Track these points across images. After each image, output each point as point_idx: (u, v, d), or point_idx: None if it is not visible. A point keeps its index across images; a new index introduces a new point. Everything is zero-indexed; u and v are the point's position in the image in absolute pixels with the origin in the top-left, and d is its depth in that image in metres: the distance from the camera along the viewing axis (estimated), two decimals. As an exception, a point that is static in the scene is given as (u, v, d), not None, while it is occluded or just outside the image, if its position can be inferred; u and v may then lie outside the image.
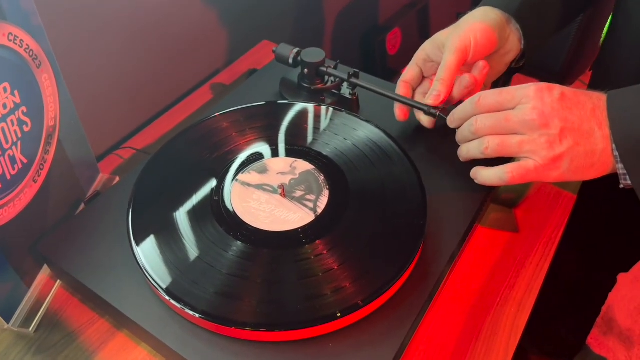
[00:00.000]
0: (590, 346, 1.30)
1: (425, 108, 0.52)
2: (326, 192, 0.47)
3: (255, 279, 0.41)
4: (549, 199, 0.58)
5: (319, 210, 0.45)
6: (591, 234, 0.87)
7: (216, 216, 0.45)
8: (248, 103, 0.56)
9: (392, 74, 1.56)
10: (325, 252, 0.43)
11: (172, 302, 0.39)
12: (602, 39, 0.96)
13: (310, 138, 0.53)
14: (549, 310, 1.12)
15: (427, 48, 0.55)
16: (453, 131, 0.50)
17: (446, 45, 0.52)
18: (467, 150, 0.49)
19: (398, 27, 1.54)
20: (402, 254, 0.43)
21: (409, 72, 0.57)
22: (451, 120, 0.50)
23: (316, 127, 0.54)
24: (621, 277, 0.96)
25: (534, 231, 0.55)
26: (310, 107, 0.55)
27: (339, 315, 0.39)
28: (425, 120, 0.54)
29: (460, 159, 0.50)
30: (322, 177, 0.48)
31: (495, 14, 0.53)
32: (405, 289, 0.43)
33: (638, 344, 1.30)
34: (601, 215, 0.84)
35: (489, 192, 0.51)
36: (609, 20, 0.92)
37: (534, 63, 0.96)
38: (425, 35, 1.62)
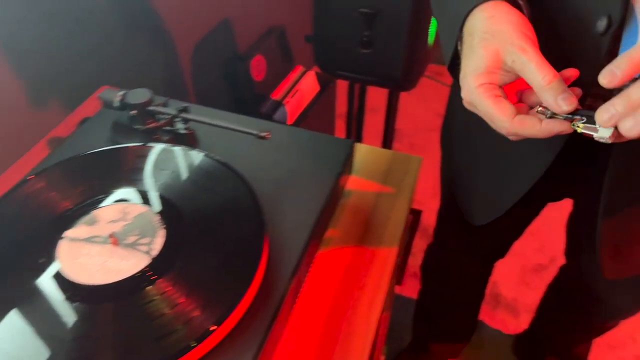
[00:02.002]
0: (484, 322, 1.40)
1: (256, 132, 0.54)
2: (162, 232, 0.47)
3: (101, 335, 0.39)
4: (391, 195, 0.62)
5: (155, 252, 0.45)
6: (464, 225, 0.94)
7: (44, 282, 0.43)
8: (78, 153, 0.54)
9: (262, 99, 1.59)
10: (168, 289, 0.42)
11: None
12: (430, 40, 1.06)
13: (140, 179, 0.52)
14: (441, 302, 1.19)
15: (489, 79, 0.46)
16: (291, 154, 0.52)
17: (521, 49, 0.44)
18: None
19: (260, 54, 1.57)
20: (245, 272, 0.43)
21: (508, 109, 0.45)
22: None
23: (146, 167, 0.53)
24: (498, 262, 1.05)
25: (379, 229, 0.58)
26: (140, 147, 0.55)
27: (193, 345, 0.39)
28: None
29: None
30: (157, 217, 0.48)
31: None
32: (255, 305, 0.44)
33: (523, 311, 1.42)
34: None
35: (326, 205, 0.54)
36: (434, 22, 1.02)
37: (374, 73, 1.04)
38: (289, 58, 1.67)
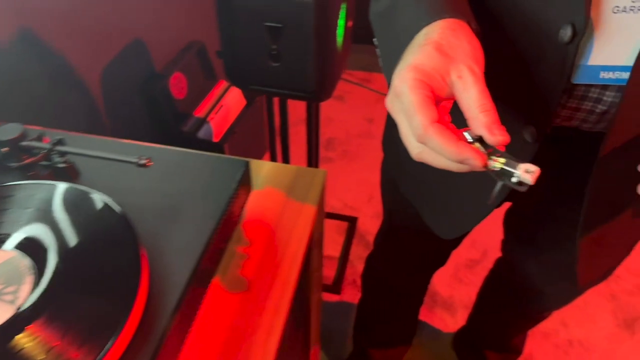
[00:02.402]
0: (425, 322, 1.41)
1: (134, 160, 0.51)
2: (30, 278, 0.43)
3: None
4: (295, 211, 0.61)
5: (21, 300, 0.41)
6: (407, 236, 0.94)
7: None
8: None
9: (184, 118, 1.55)
10: (41, 334, 0.39)
11: None
12: (339, 44, 1.06)
13: (3, 221, 0.48)
14: (382, 310, 1.19)
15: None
16: (178, 179, 0.50)
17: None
18: None
19: (179, 71, 1.53)
20: (123, 309, 0.41)
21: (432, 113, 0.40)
22: None
23: (10, 208, 0.49)
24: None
25: (282, 248, 0.56)
26: (7, 187, 0.51)
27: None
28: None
29: None
30: (26, 261, 0.44)
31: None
32: (136, 341, 0.41)
33: (460, 308, 1.44)
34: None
35: (217, 231, 0.51)
36: (341, 25, 1.01)
37: (287, 85, 1.03)
38: (211, 73, 1.64)
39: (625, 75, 0.47)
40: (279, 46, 0.95)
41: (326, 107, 2.15)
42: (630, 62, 0.46)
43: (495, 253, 1.02)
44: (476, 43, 0.43)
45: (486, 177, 0.57)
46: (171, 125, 1.49)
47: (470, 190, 0.66)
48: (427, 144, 0.39)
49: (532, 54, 0.44)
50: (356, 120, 2.09)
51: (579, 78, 0.48)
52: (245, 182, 0.58)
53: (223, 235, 0.54)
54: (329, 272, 1.51)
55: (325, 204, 1.71)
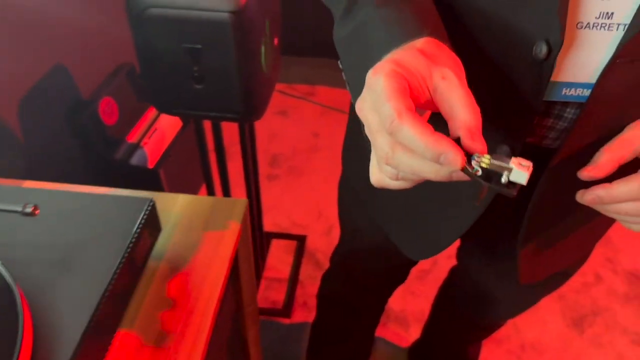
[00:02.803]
0: (381, 337, 1.38)
1: None
2: None
3: None
4: (212, 248, 0.56)
5: None
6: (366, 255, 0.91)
7: None
8: None
9: (117, 144, 1.47)
10: None
11: None
12: (264, 61, 1.02)
13: None
14: (338, 329, 1.15)
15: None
16: (72, 225, 0.44)
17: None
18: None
19: (108, 96, 1.46)
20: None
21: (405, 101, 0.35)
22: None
23: None
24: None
25: (197, 285, 0.52)
26: None
27: None
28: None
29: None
30: None
31: None
32: None
33: (413, 321, 1.42)
34: None
35: (117, 278, 0.46)
36: (266, 42, 0.98)
37: (213, 108, 0.98)
38: (145, 95, 1.58)
39: (587, 92, 0.46)
40: (200, 67, 0.90)
41: (269, 123, 2.11)
42: (593, 79, 0.45)
43: (446, 262, 1.01)
44: (458, 59, 0.40)
45: (462, 188, 0.53)
46: (103, 153, 1.42)
47: (446, 205, 0.63)
48: (399, 135, 0.34)
49: (507, 71, 0.42)
50: (301, 135, 2.05)
51: (545, 95, 0.47)
52: (151, 222, 0.54)
53: (126, 283, 0.49)
54: (278, 295, 1.46)
55: (272, 223, 1.67)
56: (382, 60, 0.39)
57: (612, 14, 0.41)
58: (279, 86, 2.31)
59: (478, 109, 0.36)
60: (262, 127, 2.06)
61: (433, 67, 0.37)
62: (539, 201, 0.57)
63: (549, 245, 0.67)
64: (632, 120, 0.46)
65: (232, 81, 0.91)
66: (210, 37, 0.86)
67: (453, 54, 0.40)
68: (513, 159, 0.33)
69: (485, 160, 0.33)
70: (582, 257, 0.78)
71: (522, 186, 0.33)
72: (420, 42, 0.39)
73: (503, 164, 0.33)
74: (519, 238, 0.62)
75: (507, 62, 0.40)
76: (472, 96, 0.36)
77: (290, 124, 2.13)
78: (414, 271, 1.55)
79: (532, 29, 0.43)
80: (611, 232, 1.70)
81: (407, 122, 0.33)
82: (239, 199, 0.63)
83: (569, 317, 1.46)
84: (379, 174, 0.39)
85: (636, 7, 0.40)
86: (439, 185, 0.59)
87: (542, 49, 0.43)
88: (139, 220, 0.51)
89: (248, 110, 0.97)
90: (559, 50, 0.42)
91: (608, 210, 0.47)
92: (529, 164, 0.33)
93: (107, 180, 1.48)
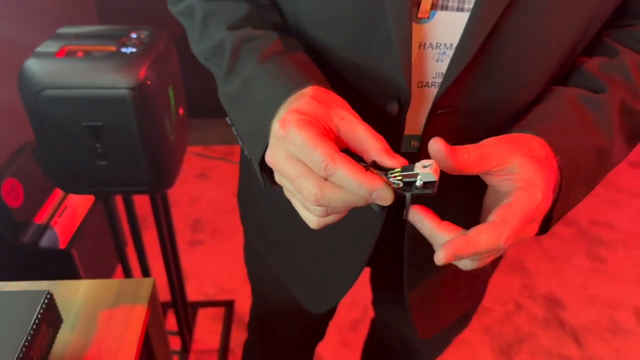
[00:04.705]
0: None
1: None
2: None
3: None
4: (117, 336, 0.54)
5: None
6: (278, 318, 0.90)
7: None
8: None
9: (24, 227, 1.39)
10: None
11: None
12: (170, 131, 1.03)
13: None
14: None
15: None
16: None
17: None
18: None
19: (11, 177, 1.39)
20: None
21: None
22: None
23: None
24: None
25: None
26: None
27: None
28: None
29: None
30: None
31: None
32: None
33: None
34: None
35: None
36: (172, 112, 0.99)
37: (121, 182, 0.97)
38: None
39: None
40: (103, 144, 0.89)
41: (189, 187, 2.09)
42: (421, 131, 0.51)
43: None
44: (344, 101, 0.43)
45: (352, 234, 0.58)
46: (8, 238, 1.33)
47: (337, 253, 0.65)
48: (333, 176, 0.36)
49: (372, 125, 0.44)
50: (223, 196, 2.04)
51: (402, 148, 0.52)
52: (49, 315, 0.51)
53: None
54: (209, 367, 1.40)
55: (198, 291, 1.62)
56: (279, 112, 0.42)
57: (443, 73, 0.47)
58: (196, 149, 2.30)
59: (380, 136, 0.39)
60: (181, 192, 2.04)
61: (329, 111, 0.40)
62: (411, 252, 0.60)
63: (434, 300, 0.69)
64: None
65: (137, 154, 0.91)
66: (111, 114, 0.86)
67: (340, 97, 0.43)
68: (416, 164, 0.37)
69: (397, 175, 0.37)
70: (475, 302, 0.81)
71: (438, 183, 0.37)
72: (309, 90, 0.42)
73: (411, 172, 0.37)
74: (405, 291, 0.64)
75: (369, 118, 0.43)
76: (371, 128, 0.40)
77: (211, 186, 2.12)
78: (345, 322, 1.56)
79: (386, 87, 0.48)
80: (525, 261, 1.81)
81: (340, 164, 0.36)
82: (145, 279, 0.62)
83: (497, 347, 1.51)
84: (312, 216, 0.41)
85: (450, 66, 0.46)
86: (327, 233, 0.62)
87: (394, 107, 0.48)
88: (34, 316, 0.48)
89: (157, 181, 0.96)
90: (407, 107, 0.48)
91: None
92: (430, 162, 0.37)
93: (15, 266, 1.38)
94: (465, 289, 0.73)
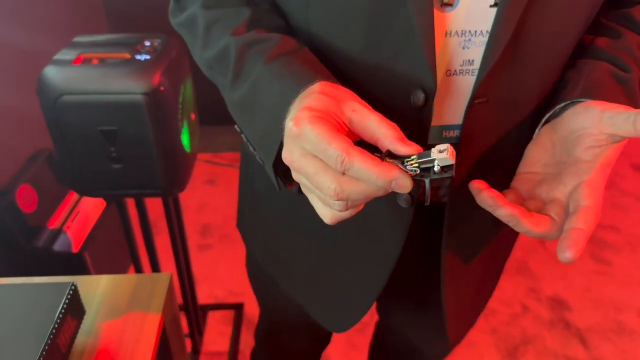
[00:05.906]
0: None
1: None
2: None
3: None
4: (137, 327, 0.57)
5: None
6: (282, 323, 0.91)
7: None
8: None
9: (38, 232, 1.42)
10: None
11: None
12: (183, 135, 1.06)
13: None
14: None
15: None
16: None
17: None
18: None
19: (26, 183, 1.42)
20: None
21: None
22: None
23: None
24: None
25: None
26: None
27: None
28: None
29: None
30: None
31: None
32: None
33: None
34: None
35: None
36: (183, 119, 1.02)
37: (134, 185, 1.00)
38: (65, 179, 1.55)
39: (458, 133, 0.51)
40: (117, 148, 0.92)
41: (198, 193, 2.12)
42: (460, 120, 0.50)
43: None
44: (354, 93, 0.43)
45: (374, 251, 0.58)
46: (22, 243, 1.37)
47: (359, 271, 0.64)
48: (350, 170, 0.37)
49: (393, 119, 0.44)
50: (231, 203, 2.07)
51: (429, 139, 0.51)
52: (74, 306, 0.54)
53: (48, 373, 0.49)
54: (219, 368, 1.42)
55: (208, 294, 1.64)
56: (290, 111, 0.42)
57: (473, 60, 0.48)
58: (205, 156, 2.34)
59: (394, 124, 0.40)
60: (191, 198, 2.07)
61: (340, 104, 0.40)
62: (449, 255, 0.59)
63: (467, 302, 0.70)
64: (501, 157, 0.52)
65: (151, 158, 0.94)
66: (126, 119, 0.89)
67: (349, 90, 0.43)
68: (432, 149, 0.37)
69: (414, 162, 0.38)
70: (490, 292, 0.81)
71: (453, 168, 0.37)
72: (317, 86, 0.42)
73: (428, 158, 0.37)
74: (442, 299, 0.63)
75: (392, 111, 0.43)
76: (384, 117, 0.40)
77: (220, 192, 2.15)
78: (354, 324, 1.57)
79: (408, 78, 0.48)
80: (530, 263, 1.82)
81: (356, 157, 0.36)
82: (162, 274, 0.64)
83: (503, 349, 1.52)
84: (330, 211, 0.41)
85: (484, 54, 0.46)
86: (344, 250, 0.61)
87: (420, 97, 0.48)
88: (60, 306, 0.51)
89: (170, 185, 0.99)
90: (434, 97, 0.47)
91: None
92: (446, 146, 0.37)
93: (30, 270, 1.41)
94: (490, 282, 0.73)
